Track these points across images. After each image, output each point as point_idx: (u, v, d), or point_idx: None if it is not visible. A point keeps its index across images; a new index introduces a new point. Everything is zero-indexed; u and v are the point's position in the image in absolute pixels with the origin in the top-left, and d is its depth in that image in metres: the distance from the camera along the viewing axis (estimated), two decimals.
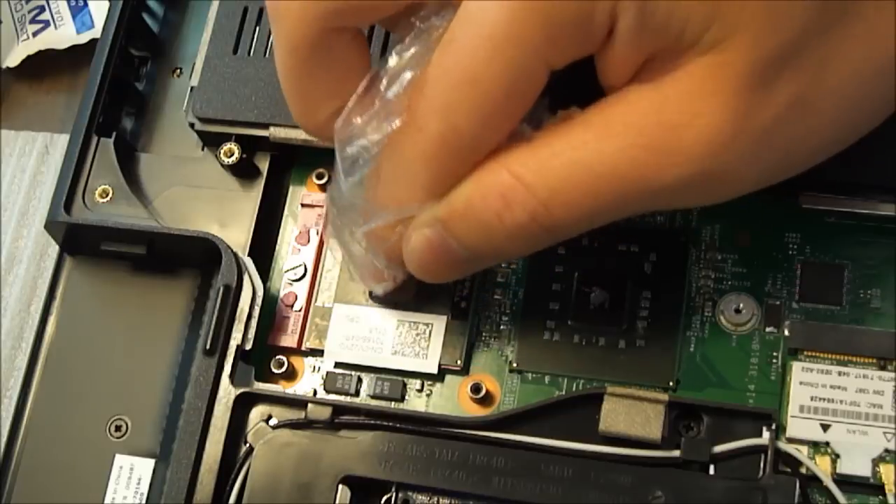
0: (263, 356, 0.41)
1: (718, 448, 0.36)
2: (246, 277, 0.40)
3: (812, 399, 0.37)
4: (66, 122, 0.49)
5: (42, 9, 0.52)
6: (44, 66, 0.51)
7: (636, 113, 0.31)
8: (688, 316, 0.39)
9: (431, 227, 0.34)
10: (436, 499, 0.37)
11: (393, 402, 0.40)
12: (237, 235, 0.43)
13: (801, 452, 0.36)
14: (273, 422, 0.39)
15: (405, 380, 0.40)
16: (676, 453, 0.36)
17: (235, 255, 0.40)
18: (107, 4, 0.46)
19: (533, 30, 0.30)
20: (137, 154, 0.45)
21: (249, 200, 0.43)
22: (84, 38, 0.51)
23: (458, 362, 0.40)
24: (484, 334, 0.40)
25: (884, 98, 0.33)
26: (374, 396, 0.40)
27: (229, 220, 0.43)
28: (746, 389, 0.38)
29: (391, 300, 0.40)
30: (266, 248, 0.43)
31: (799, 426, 0.37)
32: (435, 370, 0.40)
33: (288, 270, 0.42)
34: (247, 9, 0.44)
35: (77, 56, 0.51)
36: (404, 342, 0.40)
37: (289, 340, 0.41)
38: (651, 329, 0.39)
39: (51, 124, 0.50)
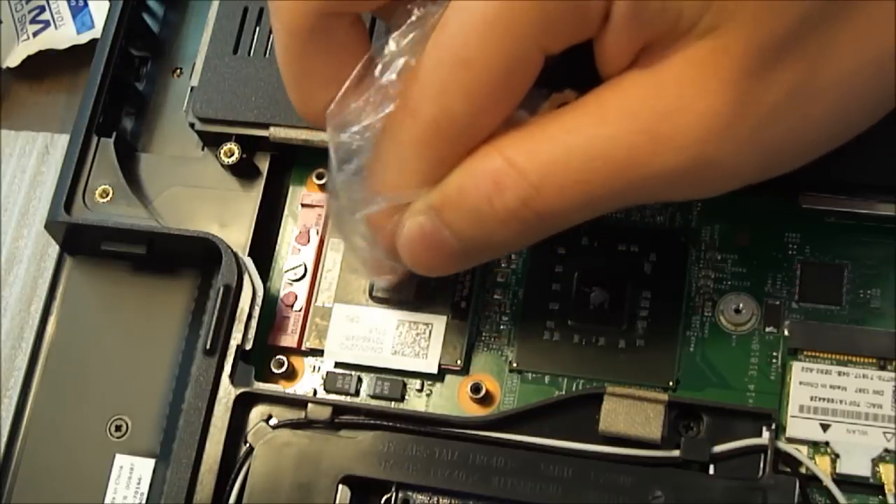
0: (263, 356, 0.41)
1: (718, 448, 0.36)
2: (246, 277, 0.40)
3: (812, 399, 0.37)
4: (66, 122, 0.49)
5: (42, 9, 0.52)
6: (44, 66, 0.51)
7: (632, 98, 0.31)
8: (688, 316, 0.39)
9: (425, 215, 0.33)
10: (436, 499, 0.37)
11: (393, 402, 0.40)
12: (237, 235, 0.43)
13: (801, 452, 0.36)
14: (273, 422, 0.39)
15: (405, 380, 0.40)
16: (676, 453, 0.36)
17: (235, 255, 0.40)
18: (107, 4, 0.46)
19: (527, 14, 0.30)
20: (137, 154, 0.45)
21: (249, 200, 0.43)
22: (84, 38, 0.51)
23: (458, 362, 0.40)
24: (484, 334, 0.40)
25: (883, 92, 0.33)
26: (374, 396, 0.40)
27: (229, 220, 0.43)
28: (746, 389, 0.38)
29: (392, 298, 0.40)
30: (266, 248, 0.43)
31: (799, 426, 0.37)
32: (435, 370, 0.40)
33: (288, 270, 0.42)
34: (247, 9, 0.44)
35: (77, 56, 0.51)
36: (404, 342, 0.40)
37: (289, 340, 0.41)
38: (651, 329, 0.39)
39: (51, 124, 0.50)
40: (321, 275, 0.42)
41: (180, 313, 0.42)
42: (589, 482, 0.36)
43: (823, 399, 0.37)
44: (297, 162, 0.44)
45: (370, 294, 0.41)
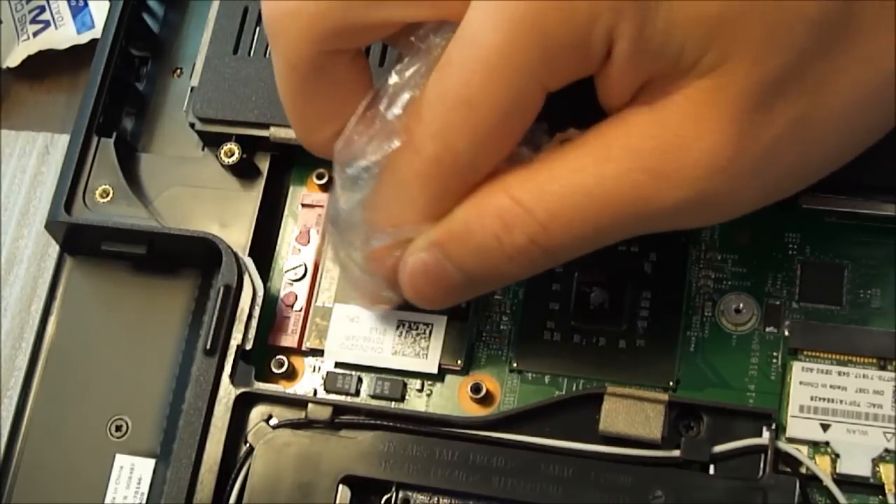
0: (264, 356, 0.41)
1: (718, 448, 0.36)
2: (246, 277, 0.40)
3: (812, 399, 0.37)
4: (66, 122, 0.49)
5: (42, 9, 0.52)
6: (44, 66, 0.51)
7: (635, 136, 0.31)
8: (688, 316, 0.39)
9: (428, 251, 0.33)
10: (436, 499, 0.37)
11: (393, 402, 0.40)
12: (237, 235, 0.43)
13: (801, 452, 0.36)
14: (273, 422, 0.39)
15: (405, 380, 0.40)
16: (676, 453, 0.36)
17: (236, 255, 0.40)
18: (107, 4, 0.46)
19: (529, 52, 0.30)
20: (138, 154, 0.45)
21: (250, 200, 0.43)
22: (84, 38, 0.51)
23: (459, 362, 0.40)
24: (484, 334, 0.40)
25: (884, 116, 0.33)
26: (374, 396, 0.40)
27: (229, 220, 0.43)
28: (746, 389, 0.38)
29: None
30: (266, 248, 0.43)
31: (799, 426, 0.37)
32: (435, 370, 0.40)
33: (288, 270, 0.42)
34: (247, 9, 0.44)
35: (77, 56, 0.51)
36: (404, 342, 0.40)
37: (289, 340, 0.41)
38: (651, 329, 0.39)
39: (51, 124, 0.50)
40: (321, 275, 0.42)
41: (180, 313, 0.42)
42: (589, 482, 0.36)
43: (823, 399, 0.37)
44: (298, 162, 0.44)
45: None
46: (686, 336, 0.39)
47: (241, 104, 0.43)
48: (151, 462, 0.40)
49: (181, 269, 0.43)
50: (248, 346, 0.39)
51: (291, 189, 0.44)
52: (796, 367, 0.38)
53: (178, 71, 0.47)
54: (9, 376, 0.44)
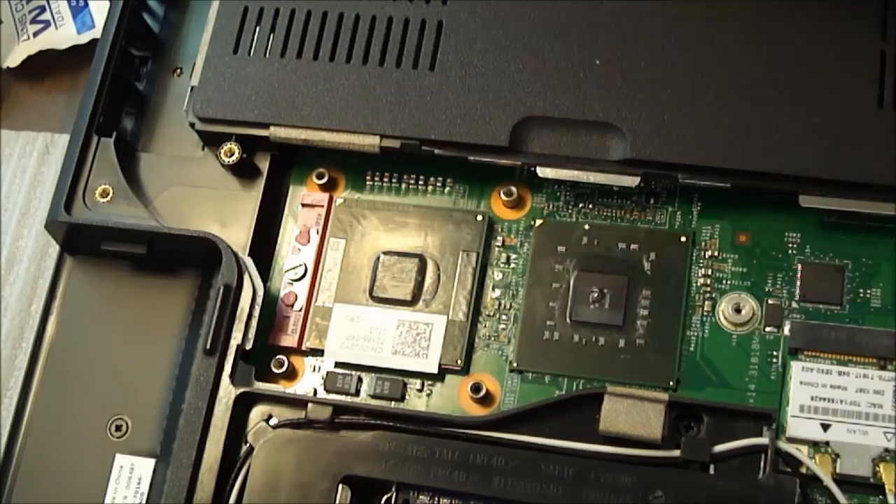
0: (263, 356, 0.41)
1: (718, 448, 0.36)
2: (246, 277, 0.40)
3: (812, 399, 0.37)
4: (66, 122, 0.49)
5: (42, 9, 0.52)
6: (44, 66, 0.51)
7: None
8: (688, 316, 0.39)
9: None
10: (436, 498, 0.37)
11: (393, 402, 0.40)
12: (237, 235, 0.43)
13: (802, 452, 0.36)
14: (273, 421, 0.39)
15: (405, 379, 0.40)
16: (676, 453, 0.36)
17: (236, 254, 0.40)
18: (107, 4, 0.46)
19: None
20: (137, 154, 0.45)
21: (250, 200, 0.43)
22: (84, 38, 0.51)
23: (459, 362, 0.40)
24: (484, 334, 0.40)
25: None
26: (374, 396, 0.40)
27: (229, 220, 0.43)
28: (746, 389, 0.38)
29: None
30: (266, 248, 0.43)
31: (799, 426, 0.37)
32: (435, 370, 0.40)
33: (288, 270, 0.42)
34: (247, 9, 0.44)
35: (77, 56, 0.51)
36: (404, 342, 0.40)
37: (289, 340, 0.41)
38: (651, 329, 0.39)
39: (51, 124, 0.50)
40: (321, 274, 0.42)
41: (180, 313, 0.42)
42: (589, 482, 0.36)
43: (824, 399, 0.37)
44: (298, 162, 0.44)
45: (370, 294, 0.41)
46: (686, 336, 0.39)
47: (241, 104, 0.43)
48: (151, 462, 0.40)
49: (181, 268, 0.43)
50: (248, 346, 0.39)
51: (291, 189, 0.44)
52: (796, 367, 0.38)
53: (178, 71, 0.47)
54: (9, 376, 0.43)
